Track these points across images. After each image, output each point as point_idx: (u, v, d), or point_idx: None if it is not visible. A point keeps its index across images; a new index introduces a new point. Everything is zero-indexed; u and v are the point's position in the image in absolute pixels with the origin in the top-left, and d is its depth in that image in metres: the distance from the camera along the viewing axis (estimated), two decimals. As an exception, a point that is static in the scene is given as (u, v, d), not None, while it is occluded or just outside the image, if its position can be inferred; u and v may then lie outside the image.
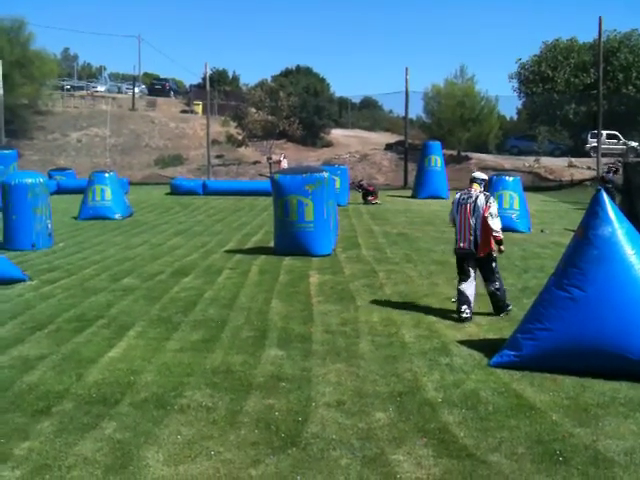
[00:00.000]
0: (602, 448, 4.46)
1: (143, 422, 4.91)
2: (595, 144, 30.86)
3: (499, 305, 7.99)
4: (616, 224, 5.89)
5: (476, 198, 7.79)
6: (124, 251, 12.89)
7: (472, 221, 7.72)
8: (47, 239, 13.47)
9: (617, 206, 6.39)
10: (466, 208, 7.80)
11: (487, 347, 6.53)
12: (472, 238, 7.74)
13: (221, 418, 4.96)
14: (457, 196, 8.04)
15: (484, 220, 7.68)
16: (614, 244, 5.82)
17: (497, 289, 7.95)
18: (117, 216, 18.30)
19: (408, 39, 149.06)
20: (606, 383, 5.60)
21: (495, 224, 7.68)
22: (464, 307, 7.75)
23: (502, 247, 7.97)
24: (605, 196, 6.01)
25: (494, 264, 7.99)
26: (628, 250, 5.82)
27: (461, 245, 7.85)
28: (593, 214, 5.98)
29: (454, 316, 7.83)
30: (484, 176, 8.41)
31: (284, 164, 26.95)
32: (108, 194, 18.47)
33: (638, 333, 5.61)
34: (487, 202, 7.74)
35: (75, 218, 18.30)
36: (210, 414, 5.03)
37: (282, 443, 4.55)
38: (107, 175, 19.04)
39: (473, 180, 8.11)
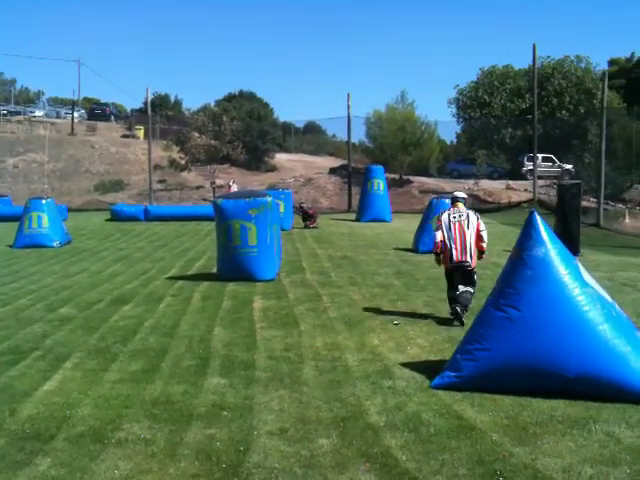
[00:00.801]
0: (541, 466, 4.53)
1: (79, 457, 4.75)
2: (531, 167, 31.86)
3: (467, 305, 8.73)
4: (549, 245, 6.06)
5: (467, 215, 8.72)
6: (61, 280, 12.54)
7: (467, 235, 8.59)
8: (-20, 269, 13.00)
9: (550, 227, 6.58)
10: (460, 225, 8.65)
11: (429, 369, 6.58)
12: (469, 251, 8.59)
13: (160, 450, 4.83)
14: (445, 216, 8.82)
15: (478, 234, 8.64)
16: (547, 264, 5.98)
17: (473, 292, 8.85)
18: (55, 244, 17.84)
19: (350, 65, 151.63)
20: (544, 401, 5.71)
21: (485, 237, 8.75)
22: (459, 307, 8.61)
23: (484, 256, 9.09)
24: (538, 218, 6.19)
25: (475, 270, 8.95)
26: (561, 270, 5.99)
27: (460, 258, 8.61)
28: (527, 236, 6.14)
29: (397, 339, 7.88)
30: (464, 195, 9.31)
31: (234, 188, 26.94)
32: (45, 221, 18.02)
33: (573, 351, 5.74)
34: (477, 218, 8.80)
35: (10, 246, 17.75)
36: (149, 447, 4.90)
37: (223, 474, 4.46)
38: (44, 202, 18.61)
39: (456, 199, 9.01)
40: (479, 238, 8.67)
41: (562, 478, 4.37)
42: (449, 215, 8.77)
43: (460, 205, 8.87)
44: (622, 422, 5.29)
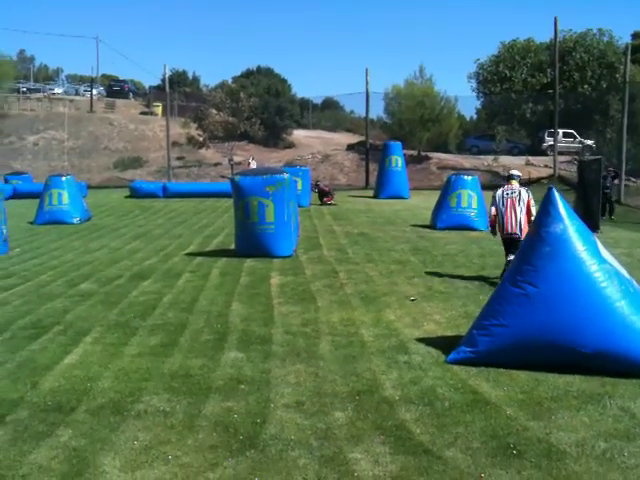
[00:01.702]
0: (555, 440, 4.56)
1: (99, 429, 4.85)
2: (552, 143, 31.48)
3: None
4: (567, 221, 6.02)
5: (519, 192, 9.53)
6: (82, 256, 12.70)
7: (518, 210, 9.43)
8: (2, 245, 13.20)
9: (570, 204, 6.54)
10: (512, 200, 9.50)
11: (445, 344, 6.61)
12: (518, 224, 9.39)
13: (179, 422, 4.92)
14: (500, 192, 9.69)
15: (528, 209, 9.39)
16: (565, 241, 5.95)
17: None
18: (75, 220, 18.03)
19: (368, 40, 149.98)
20: (560, 377, 5.72)
21: (534, 211, 9.05)
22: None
23: None
24: (556, 194, 6.15)
25: None
26: (579, 247, 5.95)
27: (511, 230, 9.48)
28: (545, 212, 6.11)
29: (413, 314, 7.92)
30: (519, 173, 10.23)
31: (253, 165, 26.99)
32: (65, 198, 18.20)
33: (590, 327, 5.73)
34: (528, 195, 9.52)
35: (32, 223, 17.99)
36: (168, 419, 4.99)
37: (240, 445, 4.54)
38: (64, 179, 18.78)
39: (511, 177, 9.87)
40: (529, 212, 9.40)
41: (576, 452, 4.39)
42: (503, 192, 9.66)
43: (514, 182, 9.72)
44: (637, 397, 5.29)
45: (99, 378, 5.88)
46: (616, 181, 20.41)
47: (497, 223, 9.73)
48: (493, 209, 9.76)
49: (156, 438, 4.68)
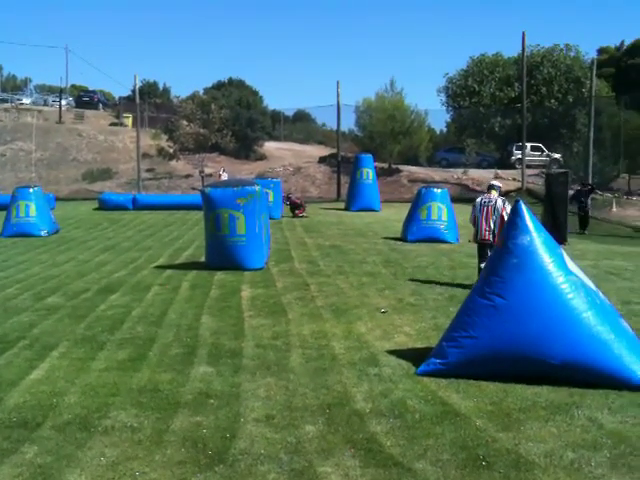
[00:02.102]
0: (523, 451, 4.60)
1: (65, 445, 4.76)
2: (520, 156, 31.95)
3: None
4: (534, 233, 6.11)
5: (495, 201, 10.03)
6: (49, 269, 12.49)
7: (492, 219, 9.93)
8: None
9: (536, 216, 6.63)
10: (488, 209, 10.00)
11: (415, 356, 6.63)
12: (490, 231, 9.90)
13: (147, 438, 4.85)
14: (478, 200, 10.29)
15: (502, 217, 9.73)
16: (532, 253, 6.03)
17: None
18: (42, 233, 17.74)
19: (339, 53, 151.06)
20: (528, 387, 5.77)
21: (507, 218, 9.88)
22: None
23: None
24: (524, 207, 6.23)
25: None
26: (546, 258, 6.04)
27: (484, 237, 10.01)
28: (512, 224, 6.19)
29: (383, 326, 7.94)
30: (499, 184, 10.89)
31: (224, 177, 26.92)
32: (33, 210, 17.90)
33: (557, 339, 5.81)
34: (504, 204, 9.95)
35: (-2, 235, 17.64)
36: (135, 434, 4.92)
37: (209, 461, 4.49)
38: (32, 190, 18.49)
39: (491, 187, 10.41)
40: (502, 221, 9.69)
41: (544, 463, 4.43)
42: (482, 200, 10.23)
43: (494, 192, 10.25)
44: (604, 407, 5.36)
45: (65, 393, 5.78)
46: (592, 195, 20.75)
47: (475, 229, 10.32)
48: (473, 216, 10.32)
49: (123, 454, 4.60)
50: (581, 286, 6.05)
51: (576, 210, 19.83)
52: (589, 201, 20.10)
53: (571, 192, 20.55)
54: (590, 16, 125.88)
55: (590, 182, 22.76)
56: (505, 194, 30.06)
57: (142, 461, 4.50)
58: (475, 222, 10.21)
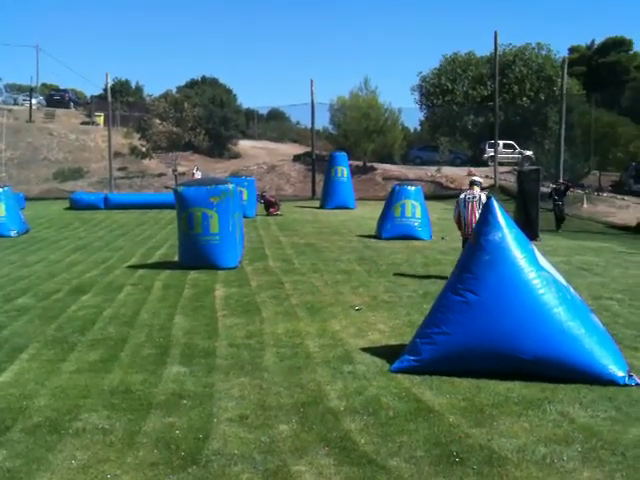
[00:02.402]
0: (496, 447, 4.62)
1: (35, 448, 4.67)
2: (492, 154, 32.23)
3: None
4: (506, 230, 6.15)
5: (479, 197, 10.28)
6: (19, 269, 12.28)
7: (477, 213, 9.72)
8: None
9: (508, 213, 6.68)
10: (473, 204, 10.25)
11: (389, 353, 6.64)
12: None
13: (118, 440, 4.78)
14: (462, 196, 10.52)
15: None
16: (504, 249, 6.07)
17: None
18: (12, 233, 17.44)
19: (313, 51, 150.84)
20: (500, 383, 5.81)
21: None
22: None
23: None
24: (495, 203, 6.27)
25: None
26: (518, 254, 6.09)
27: (469, 232, 9.79)
28: (484, 221, 6.23)
29: (358, 324, 7.95)
30: (480, 179, 11.53)
31: (197, 176, 26.73)
32: (2, 210, 17.57)
33: (529, 334, 5.86)
34: (488, 198, 10.08)
35: (-34, 236, 17.30)
36: (107, 436, 4.85)
37: (182, 462, 4.44)
38: (1, 190, 18.14)
39: (473, 183, 10.68)
40: None
41: (516, 458, 4.46)
42: (465, 196, 10.49)
43: (476, 188, 10.54)
44: (576, 402, 5.42)
45: (35, 396, 5.68)
46: (568, 193, 20.63)
47: (460, 224, 10.52)
48: (455, 212, 10.62)
49: (94, 457, 4.54)
50: (552, 282, 6.11)
51: (552, 208, 19.86)
52: (564, 199, 20.06)
53: (546, 190, 20.73)
54: (561, 15, 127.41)
55: (565, 180, 22.80)
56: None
57: (114, 463, 4.43)
58: (460, 218, 10.44)
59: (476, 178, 11.16)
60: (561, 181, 21.74)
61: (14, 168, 37.64)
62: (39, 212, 23.86)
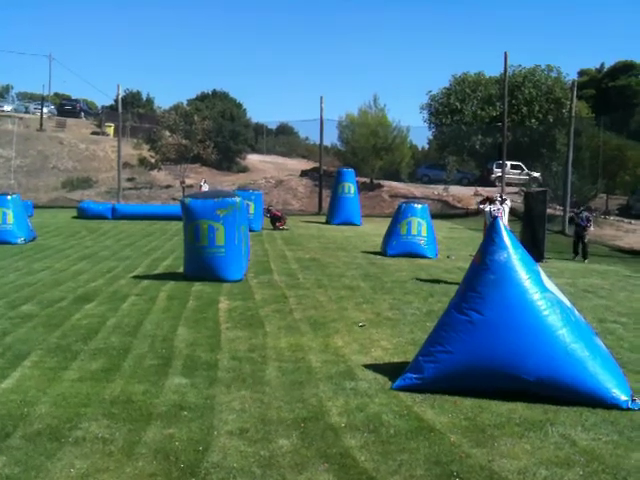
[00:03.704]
0: (497, 468, 4.59)
1: (35, 456, 4.67)
2: (500, 174, 32.24)
3: None
4: (511, 250, 6.15)
5: (503, 208, 12.35)
6: (24, 277, 12.32)
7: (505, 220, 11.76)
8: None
9: (514, 234, 6.68)
10: (499, 214, 11.73)
11: (391, 370, 6.62)
12: None
13: (118, 450, 4.78)
14: (488, 209, 12.26)
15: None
16: (509, 269, 6.07)
17: None
18: (19, 240, 17.52)
19: (323, 67, 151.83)
20: (503, 404, 5.78)
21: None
22: None
23: None
24: (501, 224, 6.28)
25: None
26: (523, 275, 6.08)
27: None
28: (490, 240, 6.23)
29: (361, 340, 7.93)
30: (498, 196, 13.39)
31: (205, 188, 26.84)
32: (10, 217, 17.68)
33: (532, 355, 5.83)
34: (507, 204, 12.66)
35: (-27, 242, 17.38)
36: (106, 446, 4.84)
37: (181, 474, 4.43)
38: (10, 197, 18.26)
39: (494, 200, 12.58)
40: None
41: (517, 479, 4.42)
42: (490, 210, 12.16)
43: (497, 203, 12.38)
44: (578, 425, 5.38)
45: (37, 403, 5.68)
46: (591, 228, 18.02)
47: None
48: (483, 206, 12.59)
49: (94, 466, 4.53)
50: (557, 303, 6.09)
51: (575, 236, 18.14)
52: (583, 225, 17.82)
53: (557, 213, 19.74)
54: (571, 38, 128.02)
55: (585, 206, 20.08)
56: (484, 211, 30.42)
57: (113, 473, 4.42)
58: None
59: (496, 195, 13.34)
60: (583, 207, 19.17)
61: (23, 176, 37.88)
62: (47, 220, 23.97)
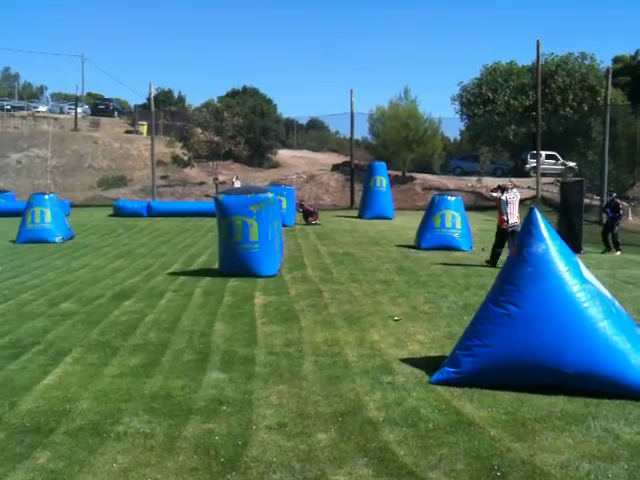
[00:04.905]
0: (539, 462, 4.53)
1: (78, 451, 4.76)
2: (534, 164, 31.78)
3: (493, 258, 13.29)
4: (549, 241, 6.05)
5: (518, 195, 13.46)
6: (64, 275, 12.56)
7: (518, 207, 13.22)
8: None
9: (551, 224, 6.57)
10: (514, 201, 13.19)
11: (428, 365, 6.58)
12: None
13: (159, 444, 4.84)
14: (503, 197, 13.24)
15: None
16: (547, 261, 5.97)
17: (498, 251, 13.25)
18: (57, 239, 17.86)
19: (353, 60, 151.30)
20: (543, 397, 5.70)
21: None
22: (498, 261, 12.86)
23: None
24: (538, 214, 6.18)
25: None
26: (561, 267, 5.98)
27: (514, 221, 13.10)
28: (527, 232, 6.13)
29: (397, 334, 7.90)
30: (509, 183, 14.24)
31: (237, 184, 26.98)
32: (48, 216, 18.03)
33: (572, 348, 5.74)
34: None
35: (13, 242, 17.79)
36: (148, 440, 4.91)
37: (221, 468, 4.47)
38: (47, 197, 18.64)
39: (505, 188, 13.47)
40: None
41: (560, 474, 4.37)
42: (507, 197, 13.21)
43: (514, 189, 13.43)
44: (621, 418, 5.29)
45: (78, 399, 5.79)
46: (626, 217, 18.09)
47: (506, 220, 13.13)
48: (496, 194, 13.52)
49: (135, 460, 4.60)
50: (597, 295, 5.98)
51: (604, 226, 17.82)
52: (617, 215, 17.33)
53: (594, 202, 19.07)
54: (605, 25, 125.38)
55: (611, 193, 19.74)
56: (520, 202, 30.03)
57: (154, 468, 4.48)
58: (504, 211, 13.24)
59: (508, 184, 13.82)
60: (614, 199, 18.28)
61: (59, 176, 38.58)
62: (83, 219, 24.38)
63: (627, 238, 20.46)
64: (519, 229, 11.69)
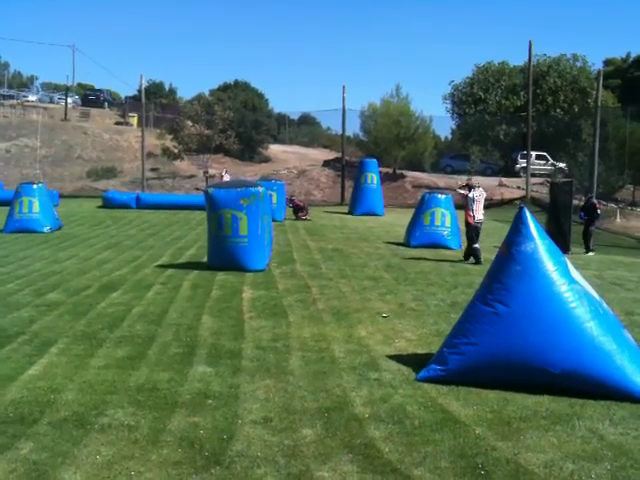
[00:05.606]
0: (523, 461, 4.54)
1: (61, 442, 4.72)
2: (524, 164, 31.88)
3: (477, 256, 13.48)
4: (538, 240, 6.06)
5: (483, 193, 13.93)
6: (51, 265, 12.47)
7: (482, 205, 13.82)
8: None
9: (540, 224, 6.58)
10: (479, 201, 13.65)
11: (416, 362, 6.59)
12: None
13: (143, 437, 4.81)
14: (471, 194, 13.58)
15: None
16: (536, 260, 5.98)
17: (477, 247, 13.58)
18: (45, 229, 17.74)
19: (346, 57, 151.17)
20: (529, 396, 5.72)
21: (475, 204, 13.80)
22: (482, 256, 13.34)
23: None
24: (527, 214, 6.19)
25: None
26: (549, 266, 5.99)
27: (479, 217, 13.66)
28: (516, 231, 6.14)
29: (384, 331, 7.90)
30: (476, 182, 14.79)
31: (226, 178, 26.87)
32: (36, 206, 17.90)
33: (559, 348, 5.75)
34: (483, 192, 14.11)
35: (0, 231, 17.63)
36: (132, 433, 4.88)
37: (205, 462, 4.45)
38: (35, 187, 18.49)
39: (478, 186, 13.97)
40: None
41: (544, 473, 4.38)
42: (474, 195, 13.56)
43: (480, 188, 13.89)
44: (606, 419, 5.31)
45: (63, 390, 5.75)
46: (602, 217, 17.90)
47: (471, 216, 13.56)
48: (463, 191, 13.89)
49: (119, 453, 4.57)
50: (584, 295, 6.00)
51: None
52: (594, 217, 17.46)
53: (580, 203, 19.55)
54: (597, 27, 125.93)
55: (590, 196, 19.53)
56: (509, 202, 30.14)
57: (138, 460, 4.46)
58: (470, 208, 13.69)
59: (474, 182, 14.48)
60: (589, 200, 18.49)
61: (48, 165, 38.30)
62: (72, 209, 24.22)
63: (615, 239, 20.61)
64: (481, 227, 13.68)
